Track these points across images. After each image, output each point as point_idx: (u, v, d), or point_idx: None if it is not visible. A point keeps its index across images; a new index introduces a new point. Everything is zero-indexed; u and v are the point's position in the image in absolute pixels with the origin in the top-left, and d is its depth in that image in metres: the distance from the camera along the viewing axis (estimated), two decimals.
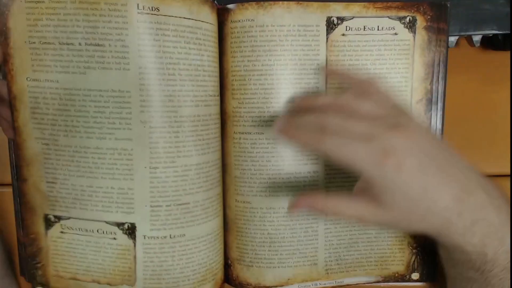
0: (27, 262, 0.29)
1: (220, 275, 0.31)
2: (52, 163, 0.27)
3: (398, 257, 0.31)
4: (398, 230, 0.27)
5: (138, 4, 0.24)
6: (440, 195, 0.23)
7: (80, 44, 0.24)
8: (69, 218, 0.28)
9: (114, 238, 0.28)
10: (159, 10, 0.24)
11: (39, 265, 0.29)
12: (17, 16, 0.24)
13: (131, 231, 0.28)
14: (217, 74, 0.28)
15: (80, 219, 0.28)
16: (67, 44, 0.24)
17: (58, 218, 0.28)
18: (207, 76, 0.26)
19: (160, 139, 0.26)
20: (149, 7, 0.24)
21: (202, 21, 0.25)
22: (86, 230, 0.28)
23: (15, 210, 0.29)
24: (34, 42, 0.25)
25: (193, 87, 0.26)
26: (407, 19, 0.28)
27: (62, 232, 0.29)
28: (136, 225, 0.28)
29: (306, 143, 0.24)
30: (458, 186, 0.23)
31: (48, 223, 0.28)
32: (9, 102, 0.26)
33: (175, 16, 0.24)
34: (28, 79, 0.26)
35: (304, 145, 0.26)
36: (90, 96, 0.25)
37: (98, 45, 0.24)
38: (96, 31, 0.24)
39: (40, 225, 0.28)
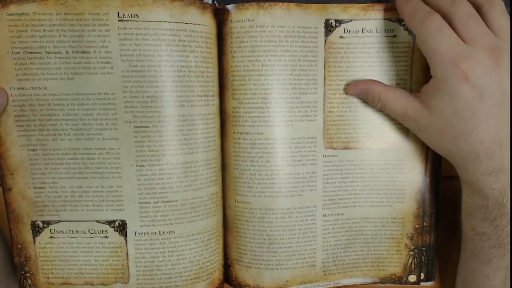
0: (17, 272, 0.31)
1: (217, 274, 0.32)
2: (40, 168, 0.29)
3: (395, 258, 0.32)
4: (431, 144, 0.27)
5: (118, 13, 0.26)
6: (482, 127, 0.23)
7: (67, 52, 0.27)
8: (58, 221, 0.30)
9: (106, 237, 0.29)
10: (138, 16, 0.26)
11: (28, 274, 0.31)
12: None
13: (122, 228, 0.29)
14: (212, 74, 0.29)
15: (70, 221, 0.30)
16: (54, 52, 0.27)
17: (47, 223, 0.30)
18: (193, 77, 0.28)
19: (145, 138, 0.28)
20: (128, 15, 0.26)
21: (187, 23, 0.27)
22: (77, 232, 0.30)
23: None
24: (18, 53, 0.27)
25: (176, 87, 0.28)
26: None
27: (51, 237, 0.30)
28: (127, 221, 0.30)
29: (409, 15, 0.25)
30: (504, 131, 0.23)
31: (36, 230, 0.30)
32: None
33: (155, 21, 0.27)
34: (12, 88, 0.28)
35: (406, 17, 0.26)
36: (78, 100, 0.28)
37: (84, 52, 0.27)
38: (82, 39, 0.27)
39: (27, 234, 0.30)
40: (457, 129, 0.24)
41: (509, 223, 0.24)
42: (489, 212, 0.25)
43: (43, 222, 0.29)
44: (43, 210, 0.29)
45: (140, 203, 0.29)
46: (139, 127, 0.28)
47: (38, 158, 0.28)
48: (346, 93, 0.29)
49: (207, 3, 0.28)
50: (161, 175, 0.28)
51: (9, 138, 0.28)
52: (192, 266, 0.30)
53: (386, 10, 0.29)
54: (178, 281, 0.30)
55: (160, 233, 0.29)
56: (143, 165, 0.28)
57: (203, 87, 0.29)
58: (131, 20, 0.26)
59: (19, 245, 0.30)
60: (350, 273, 0.32)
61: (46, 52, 0.27)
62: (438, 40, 0.23)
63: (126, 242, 0.29)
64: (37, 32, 0.26)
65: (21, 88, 0.27)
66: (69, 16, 0.26)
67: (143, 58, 0.27)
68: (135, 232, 0.29)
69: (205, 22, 0.28)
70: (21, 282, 0.30)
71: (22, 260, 0.30)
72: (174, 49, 0.27)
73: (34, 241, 0.30)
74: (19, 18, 0.26)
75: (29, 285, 0.30)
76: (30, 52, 0.27)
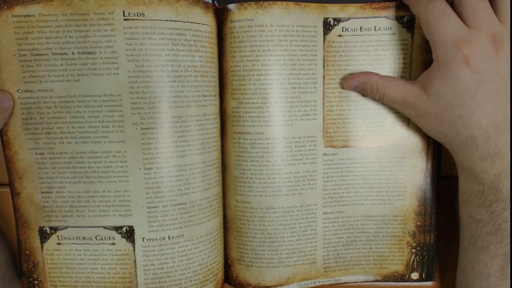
0: (24, 279, 0.27)
1: (221, 275, 0.29)
2: (47, 172, 0.26)
3: (397, 256, 0.30)
4: (429, 130, 0.25)
5: (124, 12, 0.24)
6: (480, 111, 0.22)
7: (73, 53, 0.24)
8: (66, 227, 0.27)
9: (113, 243, 0.26)
10: (144, 15, 0.23)
11: (36, 282, 0.27)
12: (3, 30, 0.24)
13: (129, 234, 0.26)
14: (214, 74, 0.27)
15: (77, 227, 0.26)
16: (61, 54, 0.24)
17: (55, 229, 0.27)
18: (199, 77, 0.25)
19: (152, 140, 0.25)
20: (134, 13, 0.23)
21: (192, 22, 0.25)
22: (84, 238, 0.27)
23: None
24: (25, 55, 0.24)
25: (183, 88, 0.25)
26: (405, 18, 0.27)
27: (59, 243, 0.27)
28: (134, 227, 0.26)
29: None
30: (500, 117, 0.22)
31: (44, 236, 0.27)
32: None
33: (161, 20, 0.24)
34: (19, 90, 0.25)
35: (411, 1, 0.24)
36: (85, 102, 0.25)
37: (90, 53, 0.24)
38: (88, 40, 0.24)
39: (35, 240, 0.27)
40: (456, 113, 0.23)
41: (505, 209, 0.23)
42: (484, 197, 0.23)
43: (51, 228, 0.26)
44: (50, 215, 0.26)
45: (148, 208, 0.25)
46: (146, 128, 0.24)
47: (46, 162, 0.25)
48: (343, 87, 0.27)
49: (209, 2, 0.26)
50: (169, 177, 0.25)
51: (17, 141, 0.25)
52: (201, 269, 0.27)
53: (384, 8, 0.27)
54: (188, 286, 0.27)
55: (169, 238, 0.26)
56: (151, 168, 0.25)
57: (207, 87, 0.26)
58: (137, 19, 0.23)
59: (27, 251, 0.26)
60: (351, 270, 0.30)
61: (53, 54, 0.24)
62: (442, 23, 0.22)
63: (134, 249, 0.26)
64: (43, 34, 0.24)
65: (28, 91, 0.24)
66: (74, 16, 0.23)
67: (150, 58, 0.24)
68: (143, 238, 0.26)
69: (208, 22, 0.25)
70: None
71: (30, 267, 0.26)
72: (180, 48, 0.24)
73: (42, 247, 0.26)
74: (25, 19, 0.23)
75: None
76: (36, 54, 0.24)
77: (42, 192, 0.26)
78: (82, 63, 0.24)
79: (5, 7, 0.23)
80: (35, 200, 0.26)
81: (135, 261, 0.26)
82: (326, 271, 0.29)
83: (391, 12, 0.27)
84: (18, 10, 0.23)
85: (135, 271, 0.26)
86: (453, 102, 0.22)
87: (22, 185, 0.26)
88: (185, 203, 0.26)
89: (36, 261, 0.27)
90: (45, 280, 0.27)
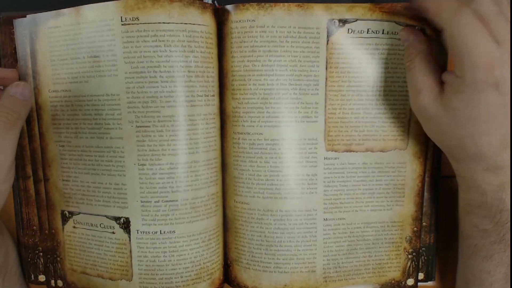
0: (49, 256, 0.28)
1: (218, 275, 0.26)
2: (66, 162, 0.26)
3: (395, 263, 0.27)
4: (433, 136, 0.22)
5: (121, 17, 0.23)
6: (494, 133, 0.20)
7: (84, 57, 0.24)
8: (79, 213, 0.27)
9: (113, 232, 0.26)
10: (139, 19, 0.23)
11: (58, 258, 0.28)
12: (42, 40, 0.25)
13: (126, 225, 0.25)
14: (212, 74, 0.25)
15: (87, 214, 0.26)
16: (76, 58, 0.25)
17: (71, 213, 0.27)
18: (193, 77, 0.23)
19: (146, 137, 0.24)
20: (130, 18, 0.23)
21: (186, 23, 0.23)
22: (92, 225, 0.26)
23: (15, 210, 0.27)
24: (54, 60, 0.25)
25: (175, 88, 0.24)
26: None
27: (74, 227, 0.27)
28: (130, 219, 0.25)
29: (435, 10, 0.20)
30: (510, 135, 0.20)
31: (64, 219, 0.27)
32: (36, 112, 0.27)
33: (154, 23, 0.23)
34: (50, 91, 0.26)
35: (430, 13, 0.21)
36: (92, 101, 0.25)
37: (96, 56, 0.24)
38: (94, 45, 0.24)
39: (58, 221, 0.27)
40: (467, 130, 0.20)
41: (509, 220, 0.21)
42: (488, 208, 0.21)
43: (69, 212, 0.26)
44: (68, 201, 0.26)
45: (142, 202, 0.24)
46: (140, 126, 0.23)
47: (65, 153, 0.26)
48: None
49: (207, 3, 0.24)
50: (161, 174, 0.23)
51: (48, 134, 0.26)
52: (193, 266, 0.24)
53: (394, 13, 0.23)
54: (179, 282, 0.24)
55: (161, 233, 0.24)
56: (144, 164, 0.23)
57: (203, 87, 0.24)
58: (132, 23, 0.22)
59: (52, 231, 0.27)
60: (352, 280, 0.26)
61: (70, 58, 0.24)
62: (472, 39, 0.18)
63: (130, 240, 0.24)
64: (65, 41, 0.24)
65: (55, 91, 0.25)
66: (85, 24, 0.24)
67: (144, 60, 0.23)
68: (137, 231, 0.24)
69: (205, 22, 0.24)
70: (54, 265, 0.27)
71: (54, 244, 0.27)
72: (173, 49, 0.23)
73: (63, 228, 0.27)
74: (55, 30, 0.25)
75: (59, 269, 0.27)
76: (61, 59, 0.25)
77: (63, 180, 0.26)
78: (90, 66, 0.24)
79: (44, 21, 0.25)
80: (58, 186, 0.26)
81: (130, 251, 0.25)
82: (326, 281, 0.26)
83: (401, 19, 0.23)
84: (52, 22, 0.25)
85: (131, 261, 0.25)
86: (467, 120, 0.19)
87: (50, 172, 0.26)
88: (176, 200, 0.24)
89: (59, 240, 0.27)
90: (64, 258, 0.27)
